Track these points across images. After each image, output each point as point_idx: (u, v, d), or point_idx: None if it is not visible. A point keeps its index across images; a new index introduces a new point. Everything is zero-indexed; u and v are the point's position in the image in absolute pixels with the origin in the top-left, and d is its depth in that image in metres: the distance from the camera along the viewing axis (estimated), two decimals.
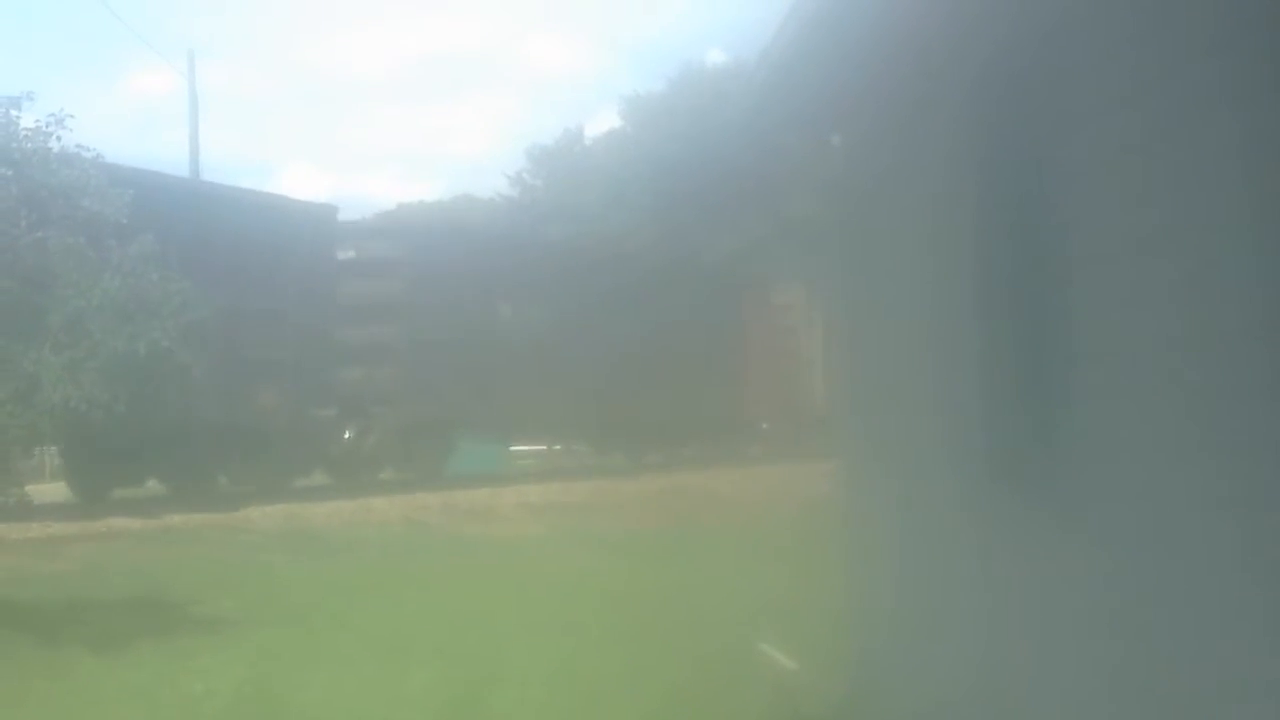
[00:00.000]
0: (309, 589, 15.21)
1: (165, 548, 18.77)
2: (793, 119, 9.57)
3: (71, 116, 13.70)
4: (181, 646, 11.88)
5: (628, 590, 14.57)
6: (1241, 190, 4.03)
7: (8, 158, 13.44)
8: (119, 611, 13.50)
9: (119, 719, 9.89)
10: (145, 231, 13.81)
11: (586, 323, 33.08)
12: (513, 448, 35.30)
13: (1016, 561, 6.13)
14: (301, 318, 26.00)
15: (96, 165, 13.95)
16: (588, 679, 10.36)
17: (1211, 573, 4.22)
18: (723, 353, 37.57)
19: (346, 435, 28.19)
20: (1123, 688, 4.93)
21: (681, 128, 51.91)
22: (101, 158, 14.16)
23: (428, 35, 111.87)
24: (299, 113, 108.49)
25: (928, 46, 6.99)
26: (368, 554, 18.44)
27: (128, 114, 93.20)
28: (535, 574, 16.11)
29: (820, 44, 7.37)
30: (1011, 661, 6.20)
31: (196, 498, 23.59)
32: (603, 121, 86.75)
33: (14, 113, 13.53)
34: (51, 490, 25.29)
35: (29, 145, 13.48)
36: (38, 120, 13.61)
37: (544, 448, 39.18)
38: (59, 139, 13.60)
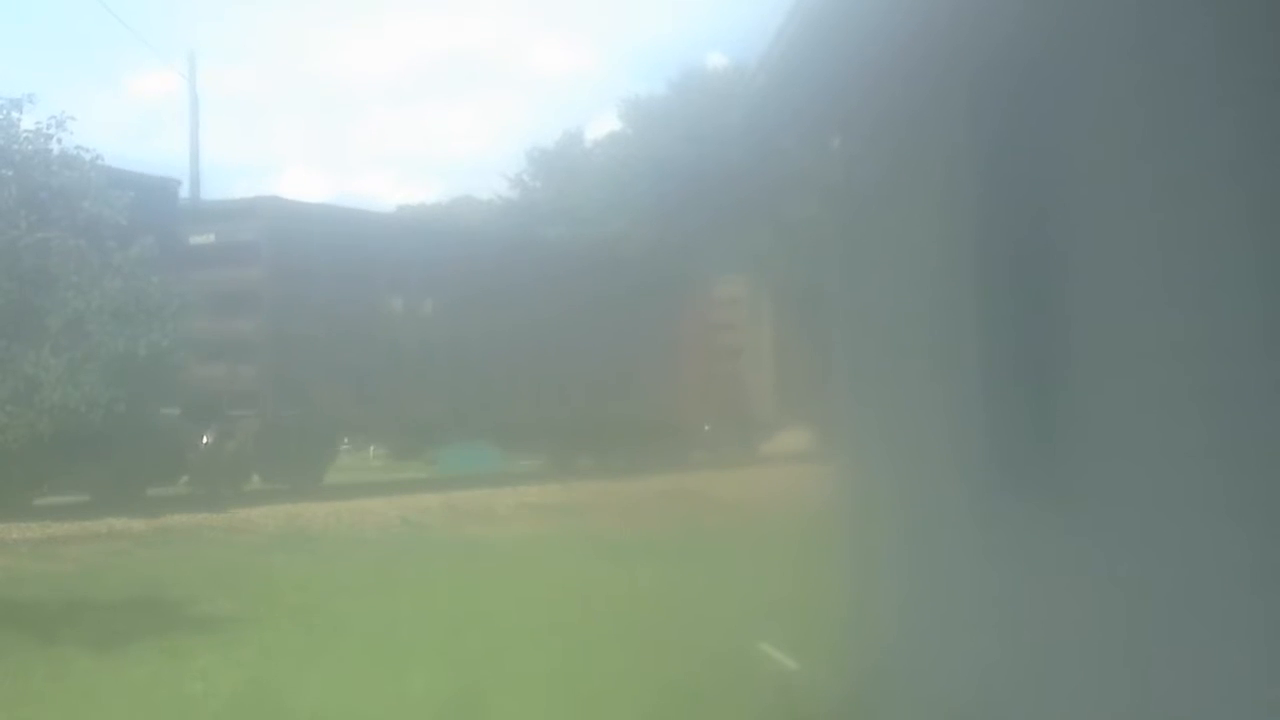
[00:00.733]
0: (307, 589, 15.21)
1: (164, 548, 18.77)
2: (793, 122, 9.58)
3: (72, 118, 13.73)
4: (180, 646, 11.88)
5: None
6: (1244, 194, 4.04)
7: (8, 159, 13.46)
8: (117, 611, 13.50)
9: (118, 719, 9.90)
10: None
11: (485, 317, 30.31)
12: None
13: (1018, 563, 6.14)
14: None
15: (96, 167, 13.97)
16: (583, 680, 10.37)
17: (1219, 580, 4.22)
18: (652, 351, 35.87)
19: (205, 440, 24.76)
20: (1127, 692, 4.93)
21: (682, 130, 51.95)
22: (101, 159, 14.18)
23: (428, 37, 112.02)
24: (299, 115, 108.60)
25: (927, 51, 7.00)
26: (366, 554, 18.47)
27: (128, 116, 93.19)
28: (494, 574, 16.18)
29: (820, 48, 7.38)
30: (1014, 664, 6.21)
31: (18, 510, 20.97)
32: (603, 124, 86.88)
33: (15, 114, 13.55)
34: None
35: (29, 147, 13.50)
36: (38, 122, 13.64)
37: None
38: (59, 141, 13.63)
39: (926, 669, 7.58)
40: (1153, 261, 4.63)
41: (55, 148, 13.62)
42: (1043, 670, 5.77)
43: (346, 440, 32.63)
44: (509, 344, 30.73)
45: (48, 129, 13.60)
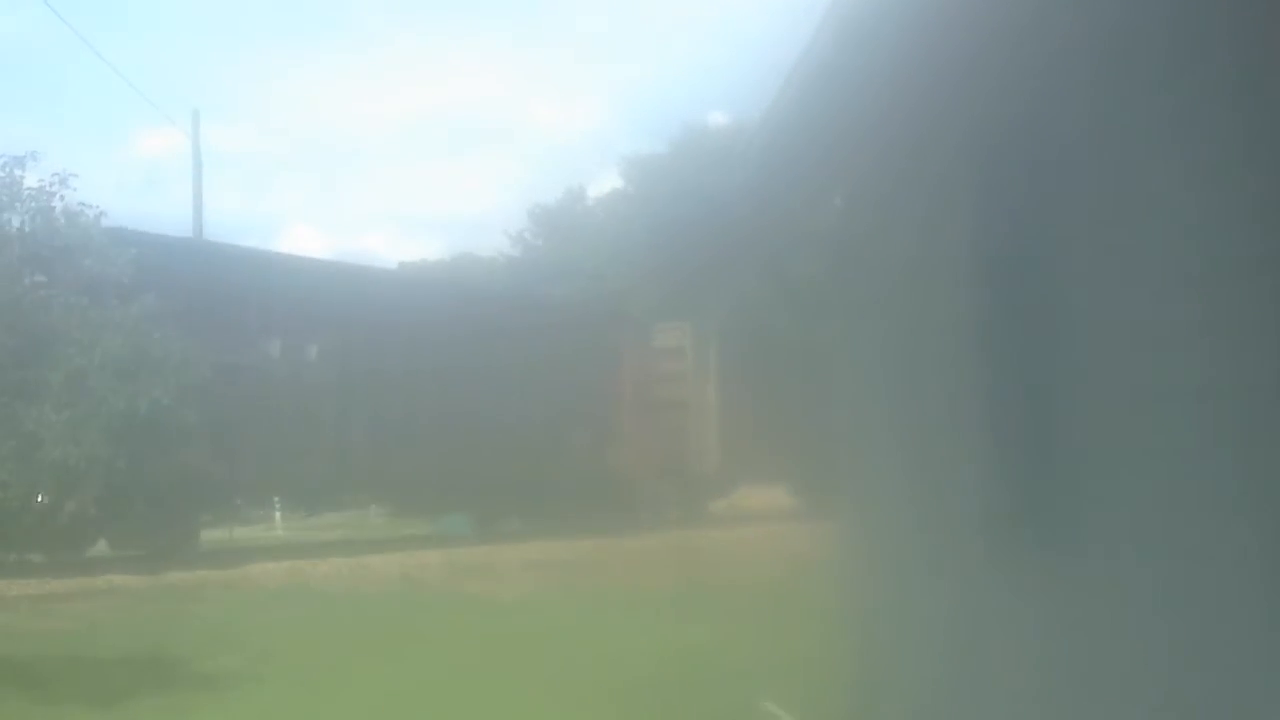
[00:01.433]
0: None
1: (164, 604, 18.71)
2: (794, 181, 9.61)
3: (75, 175, 13.79)
4: (180, 704, 11.83)
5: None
6: (1248, 260, 4.04)
7: (11, 217, 13.52)
8: (117, 669, 13.44)
9: None
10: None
11: (390, 373, 28.42)
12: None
13: (1018, 615, 6.11)
14: None
15: (98, 225, 14.02)
16: None
17: (1230, 631, 4.20)
18: (581, 404, 33.50)
19: (40, 499, 20.38)
20: None
21: (683, 188, 52.11)
22: (104, 216, 14.24)
23: (430, 96, 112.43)
24: (302, 172, 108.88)
25: (928, 110, 7.03)
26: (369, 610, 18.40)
27: (132, 173, 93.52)
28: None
29: (820, 107, 7.41)
30: (1012, 713, 6.18)
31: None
32: (604, 182, 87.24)
33: (18, 172, 13.62)
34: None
35: (32, 204, 13.56)
36: (41, 179, 13.71)
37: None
38: (62, 198, 13.69)
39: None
40: (1157, 316, 4.63)
41: (58, 205, 13.69)
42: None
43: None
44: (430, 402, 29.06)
45: (51, 186, 13.67)
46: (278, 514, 35.69)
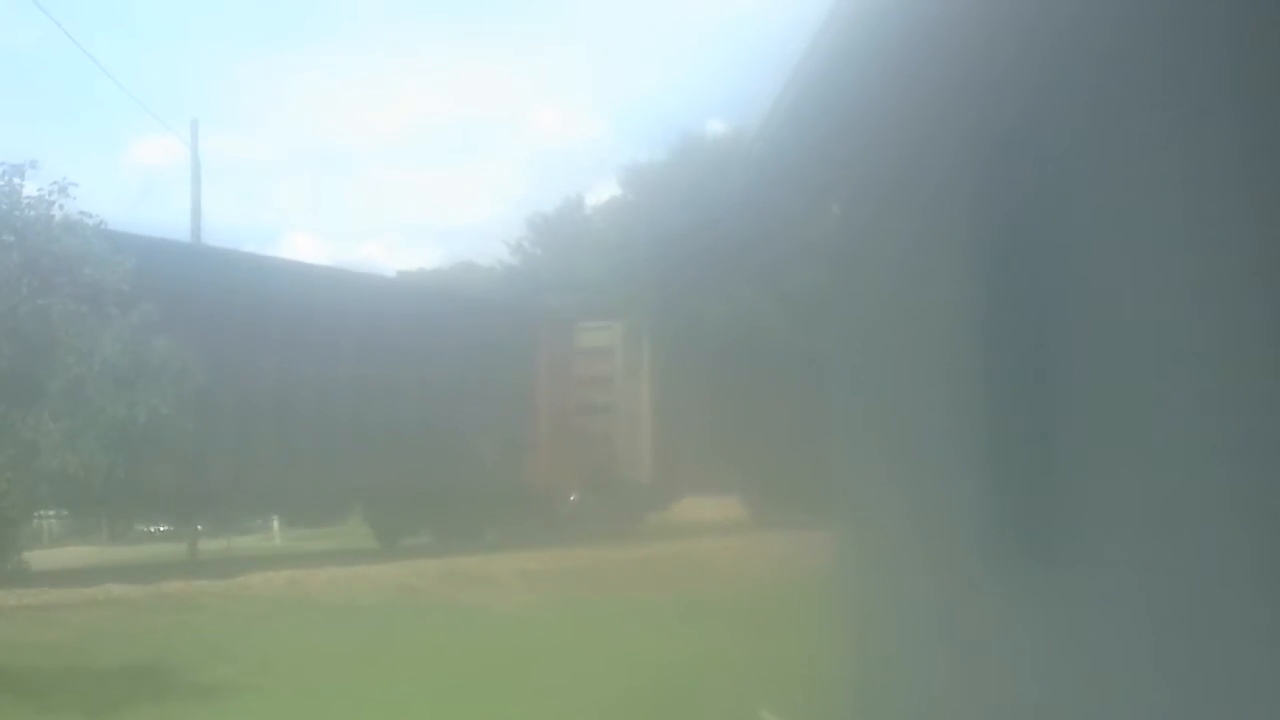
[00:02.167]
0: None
1: (162, 615, 18.67)
2: (792, 188, 9.61)
3: (74, 184, 13.75)
4: (177, 714, 11.81)
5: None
6: (1248, 274, 4.04)
7: (10, 225, 13.48)
8: (114, 679, 13.41)
9: None
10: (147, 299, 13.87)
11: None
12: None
13: (1023, 626, 6.10)
14: None
15: (98, 233, 13.99)
16: None
17: (1228, 645, 4.18)
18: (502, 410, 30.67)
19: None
20: None
21: (682, 196, 52.08)
22: (104, 225, 14.20)
23: (429, 104, 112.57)
24: (301, 181, 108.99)
25: (925, 116, 7.03)
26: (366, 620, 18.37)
27: (131, 182, 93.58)
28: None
29: (819, 114, 7.41)
30: None
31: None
32: (604, 190, 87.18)
33: (17, 181, 13.58)
34: (50, 556, 25.17)
35: (31, 213, 13.52)
36: (40, 188, 13.66)
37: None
38: (61, 207, 13.65)
39: None
40: (1158, 328, 4.62)
41: (57, 213, 13.64)
42: None
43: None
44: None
45: (50, 195, 13.63)
46: (275, 524, 35.62)
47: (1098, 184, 5.07)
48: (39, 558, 22.40)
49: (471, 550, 28.17)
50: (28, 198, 13.58)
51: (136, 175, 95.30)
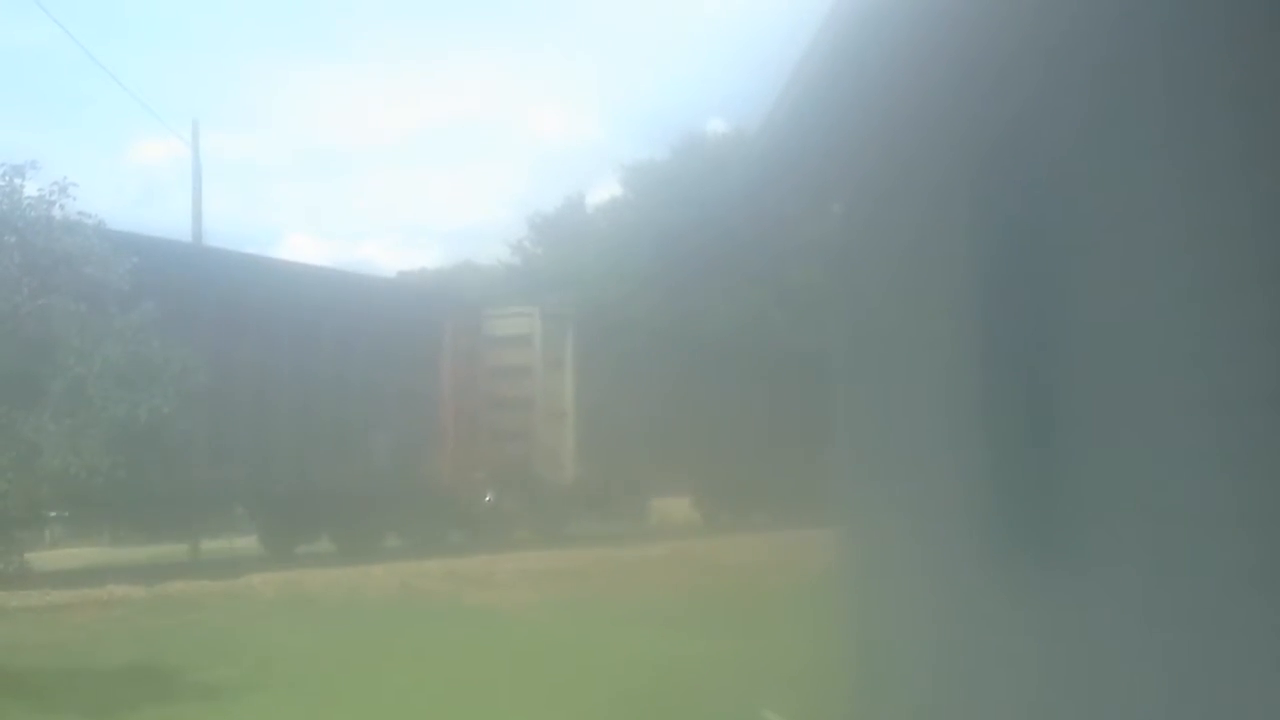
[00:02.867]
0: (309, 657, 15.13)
1: (164, 615, 18.68)
2: (793, 187, 9.61)
3: (75, 184, 13.76)
4: (180, 715, 11.82)
5: None
6: (1250, 269, 4.03)
7: (11, 226, 13.49)
8: (117, 679, 13.42)
9: None
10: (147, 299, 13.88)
11: None
12: None
13: (1024, 627, 6.10)
14: None
15: (99, 233, 14.00)
16: None
17: (1233, 644, 4.18)
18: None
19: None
20: None
21: (683, 195, 52.16)
22: (104, 225, 14.21)
23: (430, 104, 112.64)
24: (301, 181, 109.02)
25: (926, 115, 7.03)
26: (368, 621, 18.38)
27: (132, 182, 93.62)
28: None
29: (820, 113, 7.41)
30: None
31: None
32: (604, 189, 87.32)
33: (17, 181, 13.59)
34: (54, 557, 25.18)
35: (32, 213, 13.52)
36: (41, 188, 13.67)
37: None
38: (62, 207, 13.66)
39: None
40: (1159, 330, 4.62)
41: (58, 214, 13.65)
42: None
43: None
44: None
45: (50, 195, 13.63)
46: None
47: (1098, 183, 5.07)
48: (41, 558, 22.47)
49: (546, 546, 28.46)
50: (28, 198, 13.59)
51: (137, 176, 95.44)
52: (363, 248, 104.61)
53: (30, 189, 13.66)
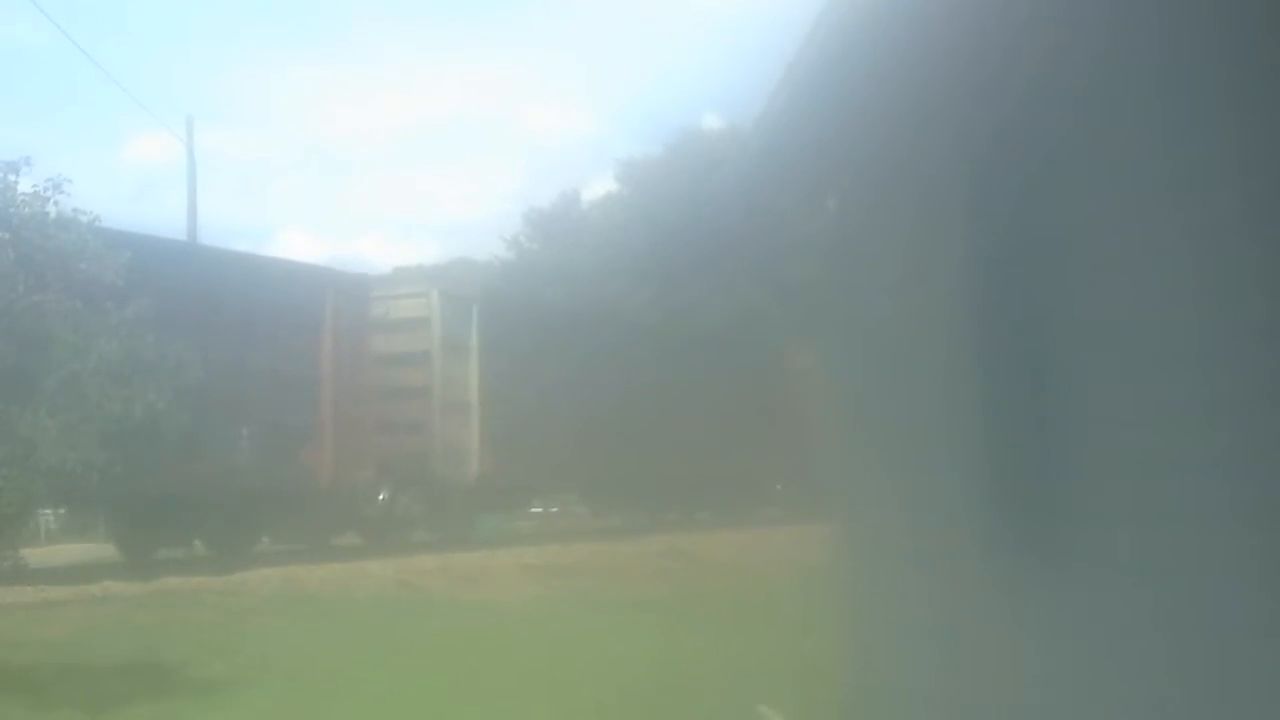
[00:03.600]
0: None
1: (160, 611, 18.66)
2: (788, 183, 9.61)
3: (69, 181, 13.75)
4: (175, 711, 11.82)
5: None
6: (1245, 268, 4.03)
7: (5, 222, 13.48)
8: (112, 676, 13.42)
9: None
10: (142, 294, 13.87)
11: None
12: None
13: (1018, 621, 6.11)
14: None
15: (93, 229, 13.98)
16: None
17: (1231, 644, 4.18)
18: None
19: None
20: None
21: (677, 191, 52.10)
22: (99, 221, 14.19)
23: (425, 100, 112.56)
24: (296, 177, 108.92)
25: (921, 112, 7.03)
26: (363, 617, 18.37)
27: (126, 179, 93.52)
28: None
29: (814, 109, 7.41)
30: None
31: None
32: (599, 185, 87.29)
33: (11, 177, 13.57)
34: (48, 553, 25.16)
35: (26, 210, 13.51)
36: (35, 185, 13.65)
37: None
38: (56, 203, 13.64)
39: None
40: (1157, 326, 4.62)
41: (52, 210, 13.63)
42: None
43: None
44: None
45: (45, 191, 13.62)
46: None
47: (1093, 179, 5.07)
48: (37, 554, 22.44)
49: (549, 540, 27.97)
50: (22, 194, 13.58)
51: (132, 172, 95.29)
52: (357, 243, 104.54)
53: (24, 185, 13.65)
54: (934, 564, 7.32)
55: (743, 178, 9.78)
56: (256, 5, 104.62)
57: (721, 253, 47.41)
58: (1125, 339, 4.80)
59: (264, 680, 13.23)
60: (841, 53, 6.53)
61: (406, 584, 22.51)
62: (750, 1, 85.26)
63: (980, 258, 6.34)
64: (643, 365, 33.89)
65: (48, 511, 29.60)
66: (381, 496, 27.84)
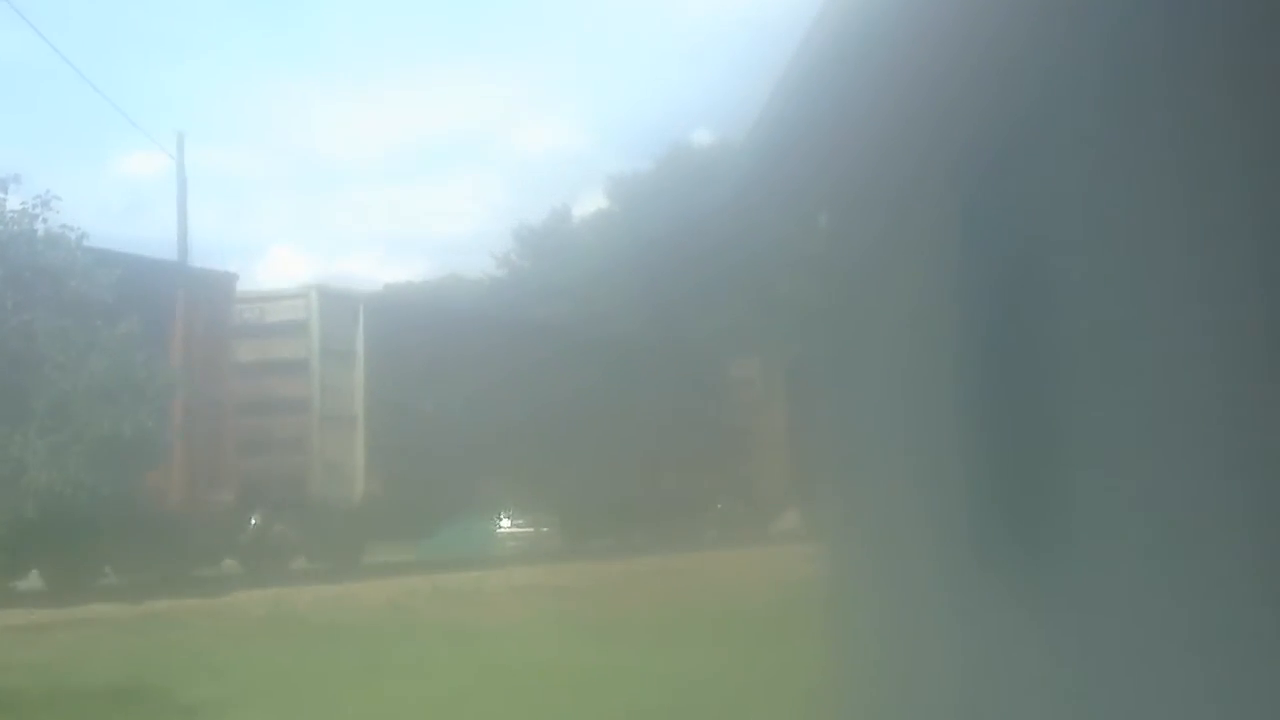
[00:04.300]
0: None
1: (148, 634, 18.57)
2: (778, 198, 9.59)
3: (58, 198, 13.72)
4: None
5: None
6: (1244, 279, 4.01)
7: None
8: (98, 699, 13.34)
9: None
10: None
11: None
12: None
13: (1005, 642, 6.07)
14: None
15: (82, 247, 13.96)
16: None
17: (1231, 645, 4.14)
18: None
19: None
20: None
21: (668, 207, 52.18)
22: (87, 238, 14.16)
23: (415, 118, 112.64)
24: (287, 194, 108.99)
25: (913, 126, 7.00)
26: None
27: (116, 196, 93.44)
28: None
29: (805, 124, 7.39)
30: None
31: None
32: (590, 202, 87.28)
33: (0, 195, 13.55)
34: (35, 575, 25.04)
35: (15, 227, 13.49)
36: (24, 202, 13.63)
37: None
38: (45, 220, 13.61)
39: None
40: (1146, 341, 4.59)
41: (40, 227, 13.61)
42: None
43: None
44: None
45: (33, 209, 13.59)
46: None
47: (1088, 193, 5.04)
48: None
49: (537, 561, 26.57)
50: (11, 212, 13.55)
51: (122, 189, 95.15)
52: (348, 261, 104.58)
53: (13, 203, 13.63)
54: (929, 578, 7.28)
55: (734, 193, 9.76)
56: (247, 22, 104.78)
57: (712, 267, 47.46)
58: (1117, 353, 4.77)
59: (252, 703, 13.14)
60: (832, 67, 6.51)
61: (396, 606, 22.08)
62: (740, 16, 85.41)
63: (974, 271, 6.31)
64: (561, 374, 30.88)
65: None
66: (253, 522, 25.12)
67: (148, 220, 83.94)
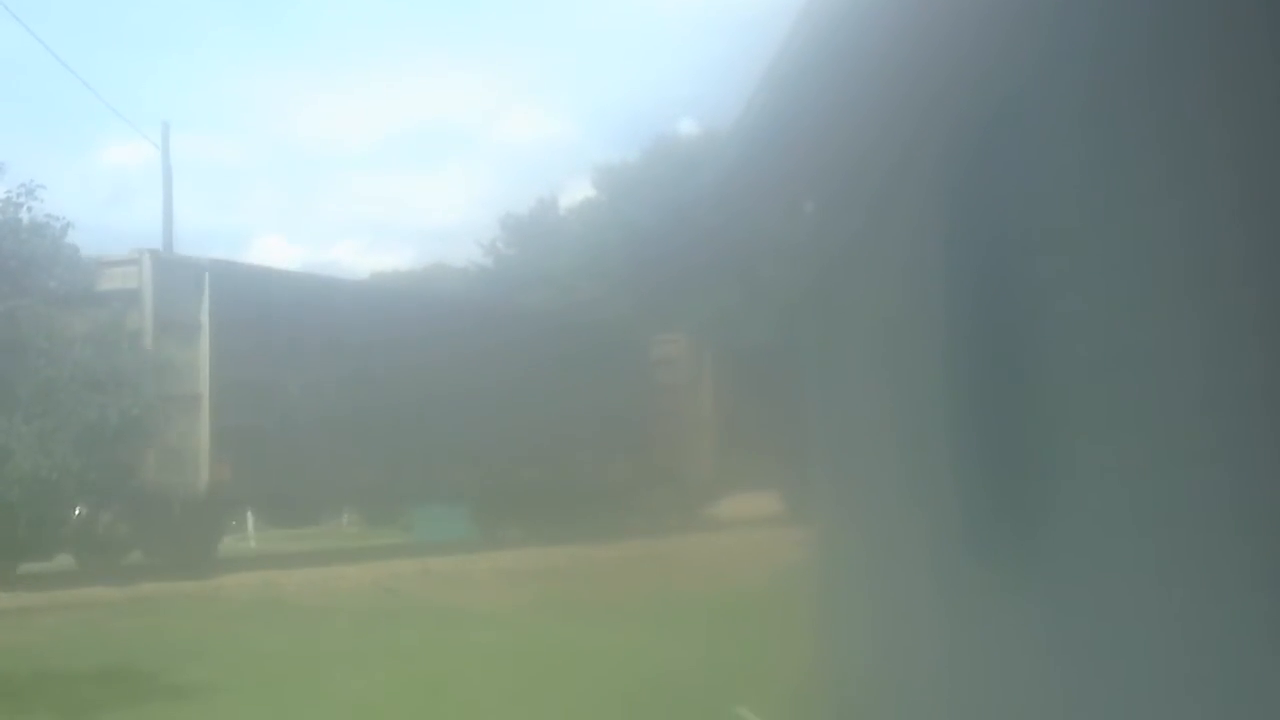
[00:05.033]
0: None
1: (137, 618, 18.57)
2: (765, 188, 9.62)
3: (42, 187, 13.71)
4: (152, 717, 11.76)
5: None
6: (1231, 272, 4.03)
7: None
8: (89, 682, 13.35)
9: None
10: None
11: None
12: None
13: (992, 631, 6.11)
14: None
15: (65, 236, 13.97)
16: None
17: (1229, 646, 4.16)
18: None
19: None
20: None
21: (655, 196, 52.08)
22: (72, 228, 14.17)
23: (401, 106, 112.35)
24: (272, 183, 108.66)
25: (898, 117, 7.04)
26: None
27: (101, 185, 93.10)
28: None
29: (791, 114, 7.41)
30: None
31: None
32: (576, 191, 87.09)
33: None
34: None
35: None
36: (8, 191, 13.63)
37: None
38: (29, 209, 13.62)
39: None
40: (1131, 334, 4.61)
41: (25, 216, 13.62)
42: None
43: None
44: None
45: (17, 198, 13.61)
46: (250, 524, 35.35)
47: (1072, 182, 5.08)
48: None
49: (535, 544, 26.35)
50: None
51: (107, 178, 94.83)
52: (334, 249, 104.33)
53: None
54: (918, 570, 7.33)
55: (719, 182, 9.79)
56: (233, 11, 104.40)
57: (698, 256, 47.38)
58: (1106, 342, 4.80)
59: (241, 686, 13.16)
60: (818, 57, 6.53)
61: (385, 589, 22.18)
62: (727, 6, 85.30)
63: (959, 260, 6.34)
64: (454, 352, 28.87)
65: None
66: (77, 512, 21.96)
67: (133, 210, 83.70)
